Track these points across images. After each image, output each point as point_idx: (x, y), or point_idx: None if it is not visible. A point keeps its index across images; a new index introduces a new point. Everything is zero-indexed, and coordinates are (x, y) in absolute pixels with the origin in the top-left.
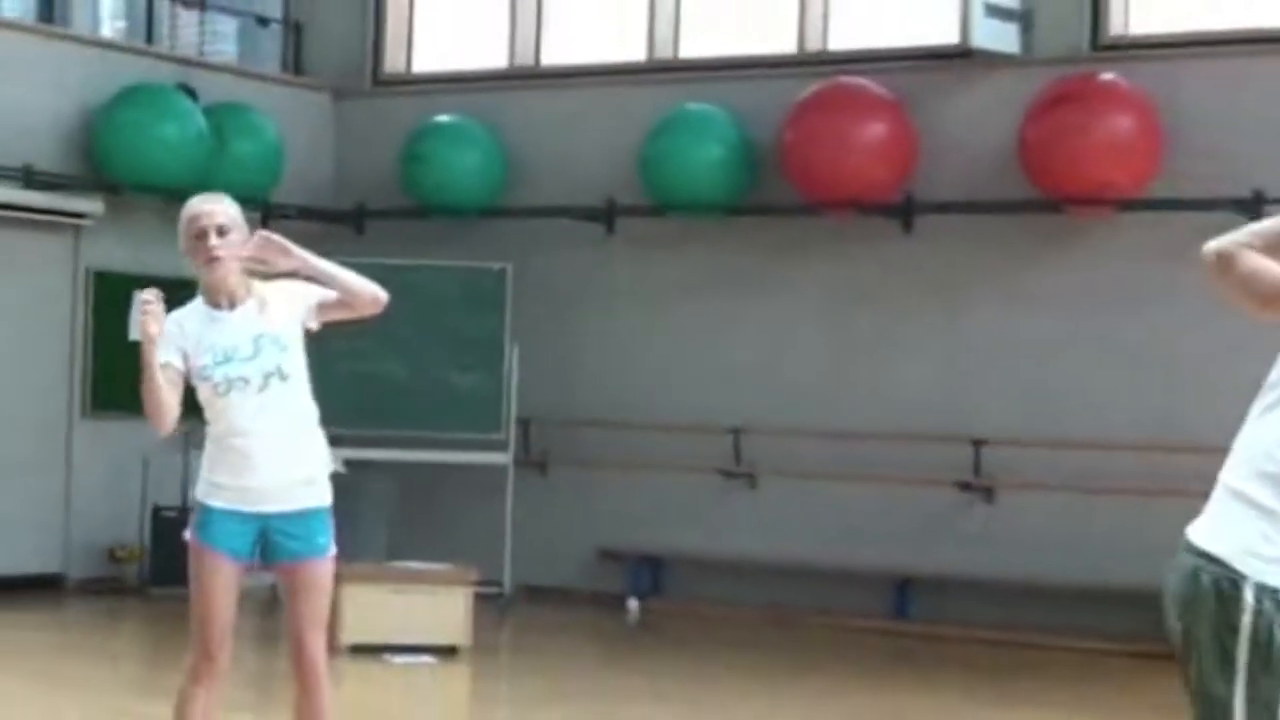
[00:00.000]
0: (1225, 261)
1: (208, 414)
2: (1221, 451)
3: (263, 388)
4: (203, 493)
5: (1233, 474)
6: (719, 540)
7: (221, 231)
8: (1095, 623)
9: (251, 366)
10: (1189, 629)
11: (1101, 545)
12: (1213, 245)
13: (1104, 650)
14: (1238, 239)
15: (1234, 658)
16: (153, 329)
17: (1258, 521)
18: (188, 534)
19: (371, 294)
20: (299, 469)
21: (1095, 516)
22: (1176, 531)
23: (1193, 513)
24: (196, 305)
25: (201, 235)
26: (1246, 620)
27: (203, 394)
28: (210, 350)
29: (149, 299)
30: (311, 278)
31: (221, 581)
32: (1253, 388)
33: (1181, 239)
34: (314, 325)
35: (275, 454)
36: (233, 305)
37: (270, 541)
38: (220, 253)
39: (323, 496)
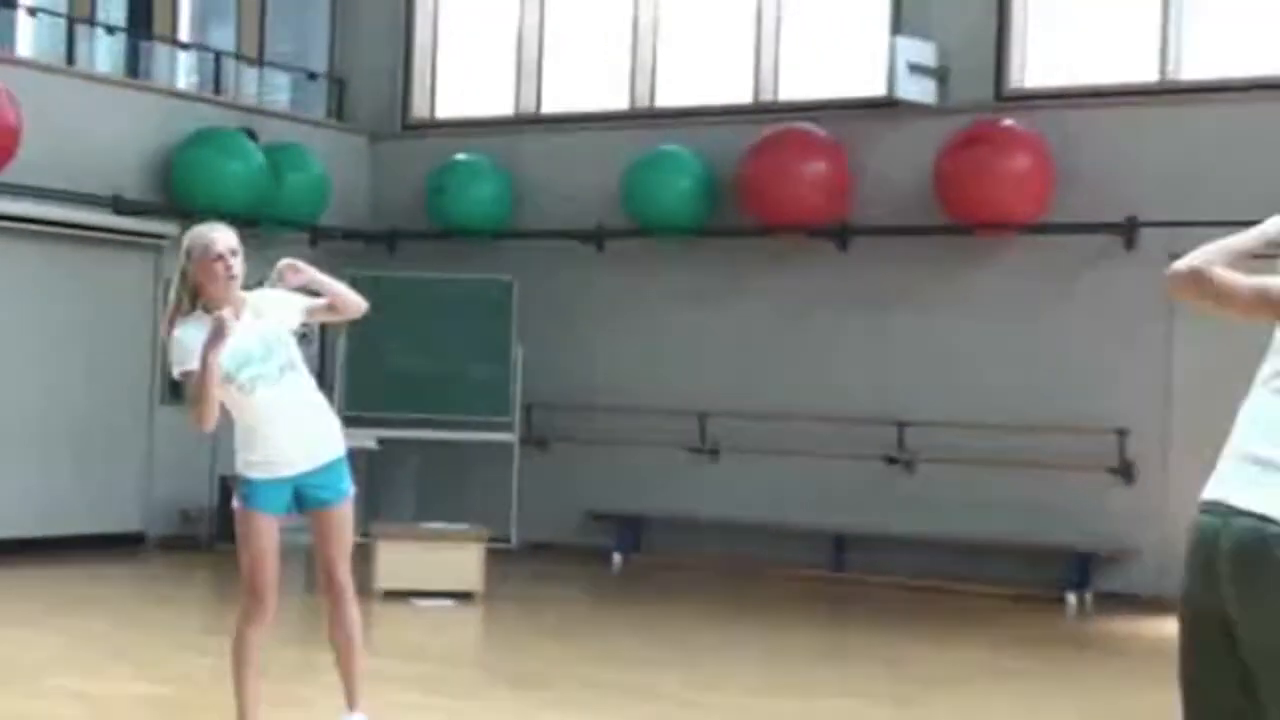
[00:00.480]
0: (1199, 277)
1: (234, 411)
2: (1098, 432)
3: (279, 380)
4: (241, 468)
5: (1261, 446)
6: (688, 504)
7: (234, 254)
8: (996, 572)
9: (268, 364)
10: (1256, 576)
11: (1002, 509)
12: (1184, 264)
13: (1002, 594)
14: (1206, 258)
15: None
16: (224, 346)
17: None
18: (235, 503)
19: (355, 303)
20: (317, 435)
21: (997, 486)
22: (1063, 497)
23: (1076, 482)
24: (199, 319)
25: (220, 258)
26: None
27: (228, 395)
28: (230, 357)
29: (229, 319)
30: (313, 289)
31: (267, 538)
32: (1129, 380)
33: (1069, 257)
34: (296, 325)
35: (298, 430)
36: (236, 316)
37: (302, 494)
38: (236, 271)
39: (338, 448)
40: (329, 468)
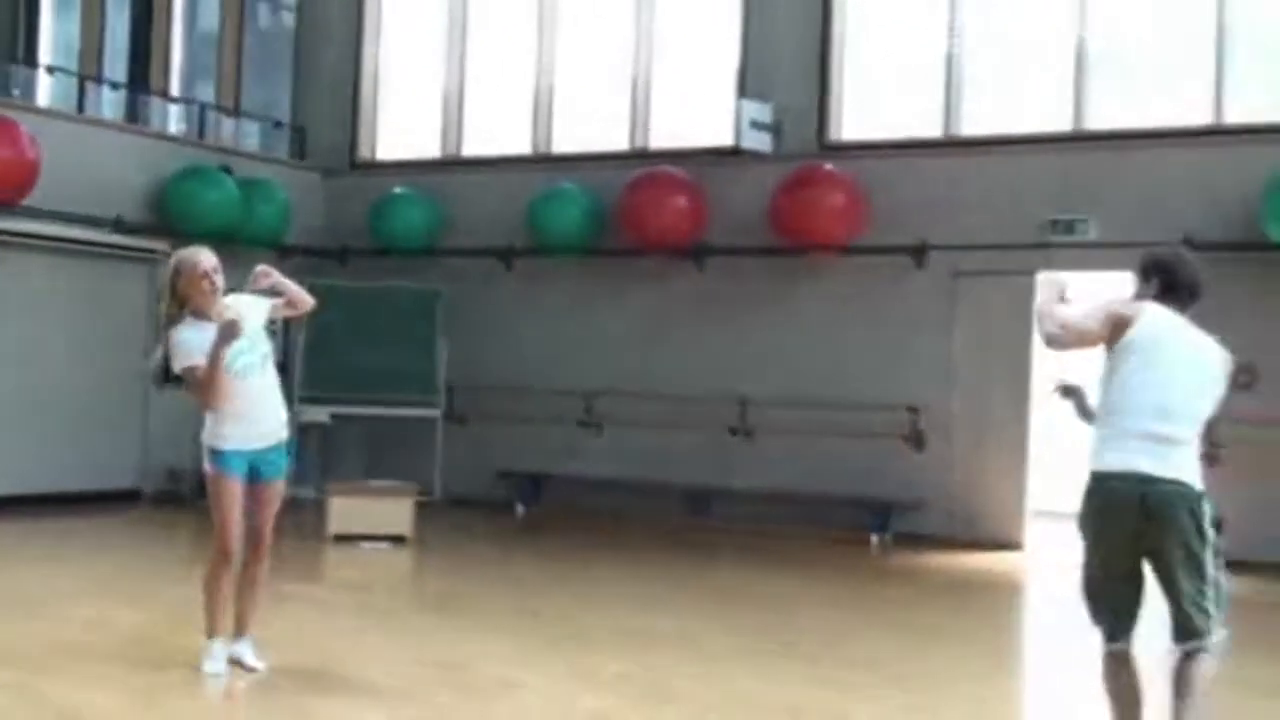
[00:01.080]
0: (1069, 331)
1: (224, 395)
2: (896, 409)
3: (263, 368)
4: (214, 440)
5: (1158, 427)
6: (577, 466)
7: (216, 271)
8: (817, 519)
9: (254, 355)
10: (1176, 518)
11: (821, 469)
12: (1054, 328)
13: (821, 536)
14: (1062, 319)
15: (1205, 532)
16: (234, 345)
17: (1190, 455)
18: (208, 469)
19: (308, 301)
20: (280, 418)
21: (817, 451)
22: (869, 459)
23: (878, 448)
24: (192, 324)
25: (206, 275)
26: (1207, 510)
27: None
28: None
29: (239, 323)
30: (277, 290)
31: (236, 500)
32: (920, 369)
33: (875, 272)
34: (266, 321)
35: (271, 410)
36: (220, 318)
37: (256, 466)
38: (219, 284)
39: (286, 431)
40: (281, 446)
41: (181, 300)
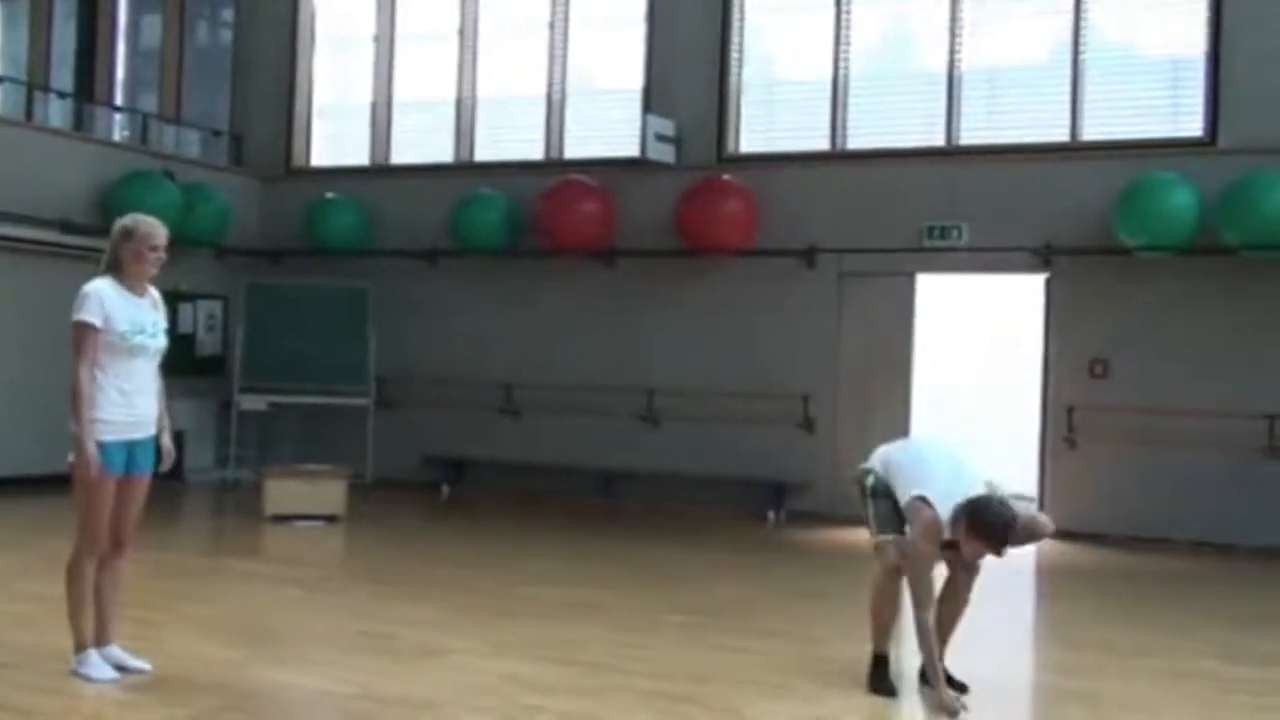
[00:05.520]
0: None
1: (109, 371)
2: (788, 397)
3: (153, 357)
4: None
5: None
6: (497, 450)
7: (165, 251)
8: (718, 498)
9: (154, 341)
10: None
11: (721, 452)
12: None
13: (721, 514)
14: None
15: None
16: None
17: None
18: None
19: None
20: (154, 408)
21: (718, 436)
22: (764, 443)
23: (773, 433)
24: (116, 285)
25: (155, 249)
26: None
27: (114, 353)
28: (130, 322)
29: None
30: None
31: (111, 496)
32: (810, 361)
33: (768, 273)
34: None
35: (152, 400)
36: (142, 295)
37: (133, 458)
38: (160, 266)
39: (155, 428)
40: (154, 440)
41: (116, 262)
